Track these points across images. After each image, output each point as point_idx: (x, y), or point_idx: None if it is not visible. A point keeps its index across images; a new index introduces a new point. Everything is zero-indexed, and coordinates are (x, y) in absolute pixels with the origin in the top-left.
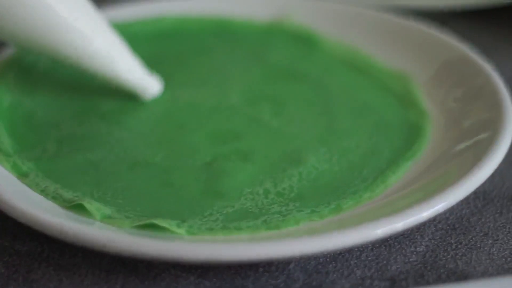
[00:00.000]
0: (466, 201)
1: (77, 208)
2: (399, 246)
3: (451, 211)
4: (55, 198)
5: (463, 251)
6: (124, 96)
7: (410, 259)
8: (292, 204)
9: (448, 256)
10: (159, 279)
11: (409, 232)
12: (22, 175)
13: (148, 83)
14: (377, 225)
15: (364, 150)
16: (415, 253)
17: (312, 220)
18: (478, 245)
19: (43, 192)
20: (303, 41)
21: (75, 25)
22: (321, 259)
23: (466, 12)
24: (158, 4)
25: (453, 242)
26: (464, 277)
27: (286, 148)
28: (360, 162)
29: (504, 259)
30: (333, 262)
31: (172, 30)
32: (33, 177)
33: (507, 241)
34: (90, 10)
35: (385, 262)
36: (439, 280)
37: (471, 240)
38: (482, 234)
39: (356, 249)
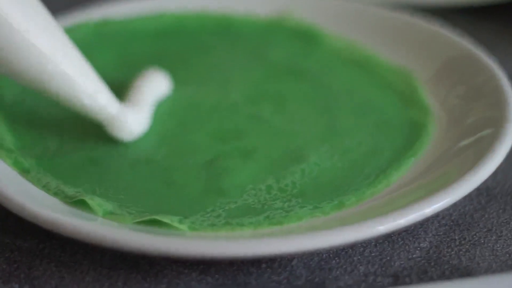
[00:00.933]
0: (469, 197)
1: (79, 204)
2: (402, 242)
3: (454, 207)
4: (57, 194)
5: (467, 247)
6: (124, 92)
7: (414, 255)
8: (295, 200)
9: (452, 252)
10: (161, 276)
11: (412, 228)
12: (24, 171)
13: (117, 115)
14: (380, 221)
15: (366, 147)
16: (418, 249)
17: (314, 216)
18: (482, 241)
19: (45, 188)
20: (304, 38)
21: (31, 39)
22: (324, 255)
23: (469, 9)
24: (158, 1)
25: (456, 238)
26: (468, 273)
27: (287, 145)
28: (362, 160)
29: (507, 255)
30: (336, 258)
31: (173, 28)
32: (35, 173)
33: (510, 237)
34: (50, 25)
35: (388, 258)
36: (443, 276)
37: (474, 236)
38: (485, 230)
39: (359, 245)
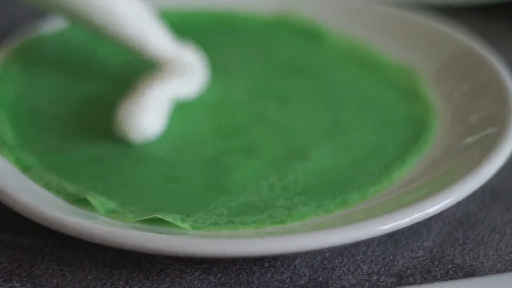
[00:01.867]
0: (473, 196)
1: (81, 202)
2: (405, 241)
3: (458, 206)
4: (59, 192)
5: (471, 246)
6: (128, 89)
7: (417, 254)
8: (298, 198)
9: (456, 252)
10: (163, 275)
11: (416, 227)
12: (26, 169)
13: (183, 56)
14: (383, 220)
15: (369, 144)
16: (422, 248)
17: (317, 214)
18: (486, 240)
19: (47, 186)
20: (308, 35)
21: None
22: (327, 254)
23: (472, 6)
24: None
25: (460, 237)
26: (472, 272)
27: (291, 142)
28: (366, 157)
29: None
30: (339, 258)
31: (176, 25)
32: (37, 170)
33: None
34: None
35: (391, 257)
36: (447, 275)
37: (478, 235)
38: (489, 229)
39: (362, 244)
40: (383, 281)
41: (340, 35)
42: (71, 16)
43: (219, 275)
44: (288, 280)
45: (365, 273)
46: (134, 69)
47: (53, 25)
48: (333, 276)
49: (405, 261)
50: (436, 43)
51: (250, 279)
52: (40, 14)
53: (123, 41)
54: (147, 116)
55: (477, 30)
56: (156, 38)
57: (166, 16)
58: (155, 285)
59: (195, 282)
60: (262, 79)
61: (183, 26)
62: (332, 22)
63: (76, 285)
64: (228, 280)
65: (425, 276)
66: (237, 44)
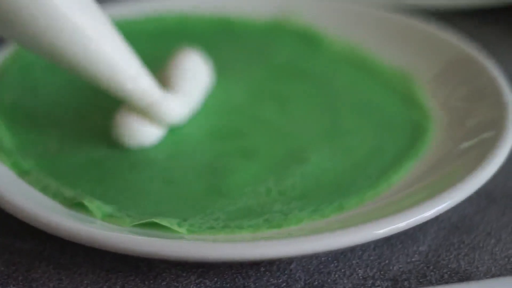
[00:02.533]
0: (469, 200)
1: (78, 206)
2: (401, 245)
3: (454, 210)
4: (56, 196)
5: (466, 250)
6: None
7: (413, 259)
8: (294, 202)
9: (451, 256)
10: (159, 279)
11: (411, 231)
12: (23, 173)
13: (159, 100)
14: (379, 225)
15: (367, 149)
16: (417, 252)
17: (314, 219)
18: (481, 245)
19: (44, 190)
20: (306, 39)
21: (74, 19)
22: (323, 258)
23: (470, 11)
24: (160, 2)
25: (455, 241)
26: (467, 277)
27: (288, 146)
28: (363, 161)
29: (507, 259)
30: (335, 262)
31: (175, 29)
32: (34, 175)
33: (510, 241)
34: (93, 8)
35: (387, 261)
36: (442, 280)
37: (474, 240)
38: (485, 233)
39: (358, 248)
40: (379, 286)
41: (338, 39)
42: (42, 53)
43: (215, 279)
44: (284, 284)
45: (361, 277)
46: None
47: None
48: (329, 280)
49: (401, 266)
50: (434, 48)
51: (246, 283)
52: None
53: (98, 82)
54: (145, 123)
55: (474, 35)
56: (133, 81)
57: (165, 20)
58: None
59: (191, 286)
60: (261, 83)
61: (182, 30)
62: (330, 26)
63: None
64: (224, 284)
65: (420, 280)
66: (235, 48)
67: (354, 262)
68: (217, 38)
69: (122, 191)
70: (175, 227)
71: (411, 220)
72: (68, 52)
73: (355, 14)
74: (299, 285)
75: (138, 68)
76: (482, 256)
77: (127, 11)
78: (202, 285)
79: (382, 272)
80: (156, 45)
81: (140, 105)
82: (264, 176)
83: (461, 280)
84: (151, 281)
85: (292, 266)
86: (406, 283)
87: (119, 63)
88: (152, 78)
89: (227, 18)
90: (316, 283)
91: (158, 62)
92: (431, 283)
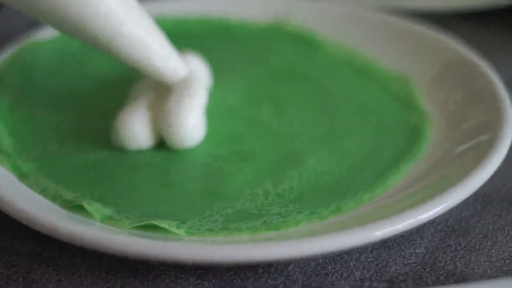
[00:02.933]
0: (465, 203)
1: (77, 208)
2: (398, 247)
3: (450, 212)
4: (55, 198)
5: (462, 253)
6: (123, 96)
7: (409, 261)
8: (292, 205)
9: (447, 258)
10: (158, 280)
11: (408, 233)
12: (22, 175)
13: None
14: (377, 227)
15: (364, 151)
16: (414, 254)
17: (312, 221)
18: (477, 247)
19: (43, 192)
20: (304, 42)
21: (108, 6)
22: (320, 260)
23: (466, 14)
24: (158, 5)
25: (452, 244)
26: (463, 279)
27: (286, 149)
28: (360, 164)
29: (503, 261)
30: (332, 264)
31: (172, 31)
32: (33, 177)
33: (506, 243)
34: None
35: (384, 263)
36: (438, 281)
37: (470, 242)
38: (481, 236)
39: (355, 250)
40: (376, 287)
41: (335, 43)
42: (78, 37)
43: (214, 280)
44: (282, 285)
45: (358, 279)
46: (130, 76)
47: (50, 32)
48: (326, 282)
49: (397, 267)
50: (431, 51)
51: (244, 285)
52: (37, 22)
53: (129, 62)
54: (144, 126)
55: (470, 37)
56: (163, 60)
57: (163, 23)
58: None
59: (190, 287)
60: (258, 85)
61: (180, 33)
62: (327, 29)
63: None
64: (223, 286)
65: (417, 282)
66: (232, 51)
67: (351, 263)
68: (215, 40)
69: (121, 193)
70: (174, 229)
71: (408, 222)
72: (101, 34)
73: (353, 17)
74: (296, 287)
75: (168, 48)
76: (478, 258)
77: None
78: (201, 286)
79: (379, 274)
80: None
81: (170, 83)
82: (262, 179)
83: (458, 281)
84: (150, 283)
85: (289, 268)
86: (402, 284)
87: (149, 43)
88: (181, 59)
89: (225, 21)
90: (313, 284)
91: None
92: (428, 285)
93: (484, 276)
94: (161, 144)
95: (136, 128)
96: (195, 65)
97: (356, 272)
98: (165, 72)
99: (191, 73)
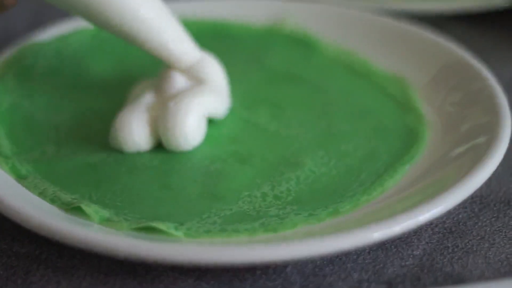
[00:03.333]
0: (463, 205)
1: (76, 210)
2: (396, 249)
3: (448, 214)
4: (54, 200)
5: (460, 254)
6: (122, 98)
7: (407, 262)
8: (290, 207)
9: (445, 260)
10: (157, 282)
11: (406, 235)
12: (21, 177)
13: (196, 57)
14: (374, 229)
15: (362, 153)
16: (412, 256)
17: (309, 223)
18: (475, 249)
19: (42, 194)
20: (301, 44)
21: None
22: (318, 262)
23: (464, 16)
24: None
25: (449, 245)
26: (461, 280)
27: (284, 151)
28: (358, 166)
29: (500, 263)
30: (330, 265)
31: None
32: (32, 179)
33: (503, 245)
34: None
35: (382, 265)
36: (436, 283)
37: (467, 244)
38: (478, 238)
39: (353, 252)
40: None
41: (332, 45)
42: (97, 22)
43: (212, 281)
44: (280, 287)
45: (356, 280)
46: (128, 78)
47: (49, 35)
48: (324, 283)
49: (395, 269)
50: (428, 53)
51: (242, 286)
52: (36, 24)
53: (146, 46)
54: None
55: (468, 40)
56: (180, 43)
57: None
58: None
59: None
60: (256, 87)
61: None
62: (325, 32)
63: None
64: (221, 287)
65: (415, 283)
66: (230, 53)
67: (349, 265)
68: (213, 42)
69: (120, 195)
70: (172, 231)
71: (406, 224)
72: (118, 18)
73: (350, 20)
74: None
75: (180, 32)
76: (475, 260)
77: None
78: (199, 287)
79: (376, 276)
80: None
81: (182, 66)
82: (260, 181)
83: (455, 283)
84: (149, 284)
85: (288, 269)
86: (400, 286)
87: (163, 27)
88: (193, 43)
89: (224, 24)
90: (311, 286)
91: (157, 67)
92: (425, 286)
93: (481, 278)
94: (160, 146)
95: (134, 130)
96: (213, 69)
97: (354, 273)
98: (177, 55)
99: (205, 72)
